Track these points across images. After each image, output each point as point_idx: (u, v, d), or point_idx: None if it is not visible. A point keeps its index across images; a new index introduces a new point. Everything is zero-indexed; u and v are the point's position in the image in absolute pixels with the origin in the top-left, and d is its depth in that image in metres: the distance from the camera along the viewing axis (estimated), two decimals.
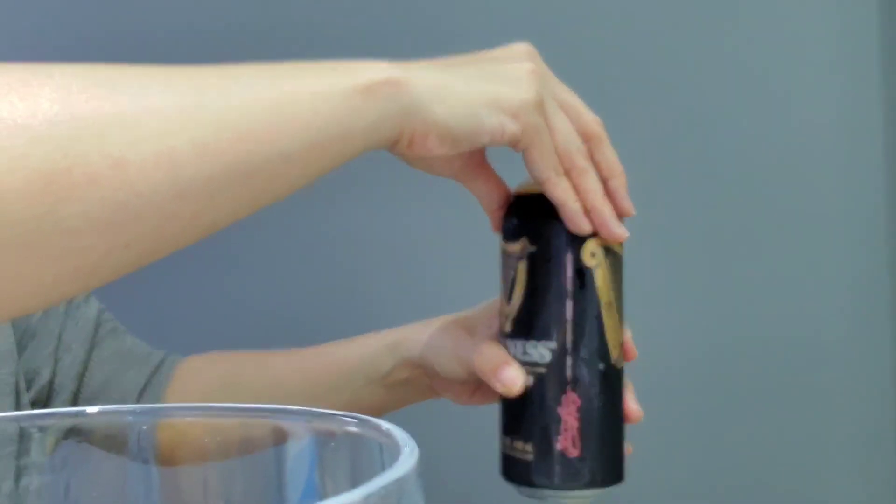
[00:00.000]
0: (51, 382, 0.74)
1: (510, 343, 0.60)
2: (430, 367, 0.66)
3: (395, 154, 0.54)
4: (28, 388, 0.73)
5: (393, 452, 0.24)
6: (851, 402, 1.10)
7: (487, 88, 0.54)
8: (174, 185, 0.42)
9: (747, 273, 1.11)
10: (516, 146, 0.55)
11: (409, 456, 0.23)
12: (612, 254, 0.59)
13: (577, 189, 0.57)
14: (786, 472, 1.11)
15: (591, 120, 0.59)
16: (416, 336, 0.68)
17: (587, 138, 0.58)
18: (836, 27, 1.09)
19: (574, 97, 0.59)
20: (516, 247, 0.59)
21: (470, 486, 1.01)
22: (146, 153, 0.41)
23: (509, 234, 0.60)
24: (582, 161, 0.57)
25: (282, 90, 0.46)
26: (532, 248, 0.59)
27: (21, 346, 0.73)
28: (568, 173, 0.57)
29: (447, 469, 1.11)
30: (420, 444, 0.24)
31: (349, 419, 0.27)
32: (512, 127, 0.54)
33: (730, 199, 1.12)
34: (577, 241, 0.58)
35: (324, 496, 0.29)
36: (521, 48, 0.58)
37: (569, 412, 0.58)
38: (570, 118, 0.58)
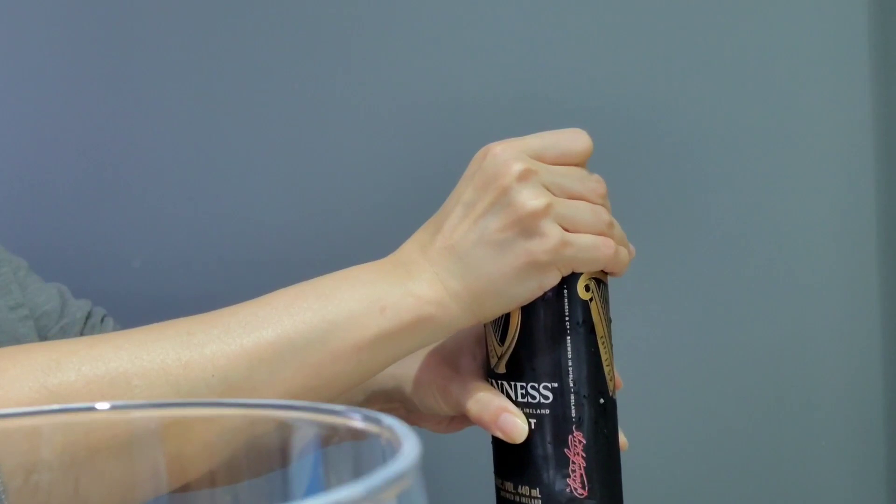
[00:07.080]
0: None
1: (506, 385, 0.58)
2: (408, 401, 0.65)
3: None
4: None
5: (396, 447, 0.25)
6: (841, 405, 1.10)
7: (508, 261, 0.54)
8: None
9: (739, 276, 1.11)
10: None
11: (411, 450, 0.23)
12: (603, 285, 0.58)
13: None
14: (776, 472, 1.11)
15: (594, 188, 0.58)
16: (389, 370, 0.67)
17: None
18: (827, 29, 1.09)
19: (567, 174, 0.57)
20: None
21: (470, 485, 1.01)
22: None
23: None
24: (607, 217, 0.58)
25: (332, 342, 0.53)
26: None
27: None
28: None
29: (447, 467, 1.11)
30: (421, 443, 0.25)
31: (353, 414, 0.28)
32: (551, 279, 0.55)
33: (722, 200, 1.12)
34: (572, 276, 0.56)
35: (328, 490, 0.29)
36: (495, 163, 0.56)
37: (575, 452, 0.56)
38: (579, 190, 0.57)
